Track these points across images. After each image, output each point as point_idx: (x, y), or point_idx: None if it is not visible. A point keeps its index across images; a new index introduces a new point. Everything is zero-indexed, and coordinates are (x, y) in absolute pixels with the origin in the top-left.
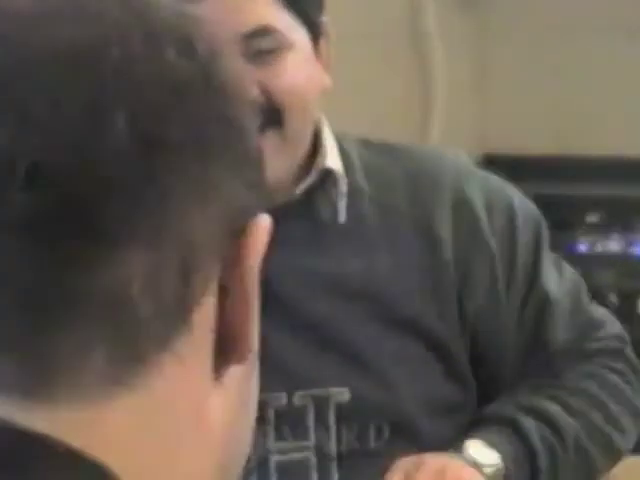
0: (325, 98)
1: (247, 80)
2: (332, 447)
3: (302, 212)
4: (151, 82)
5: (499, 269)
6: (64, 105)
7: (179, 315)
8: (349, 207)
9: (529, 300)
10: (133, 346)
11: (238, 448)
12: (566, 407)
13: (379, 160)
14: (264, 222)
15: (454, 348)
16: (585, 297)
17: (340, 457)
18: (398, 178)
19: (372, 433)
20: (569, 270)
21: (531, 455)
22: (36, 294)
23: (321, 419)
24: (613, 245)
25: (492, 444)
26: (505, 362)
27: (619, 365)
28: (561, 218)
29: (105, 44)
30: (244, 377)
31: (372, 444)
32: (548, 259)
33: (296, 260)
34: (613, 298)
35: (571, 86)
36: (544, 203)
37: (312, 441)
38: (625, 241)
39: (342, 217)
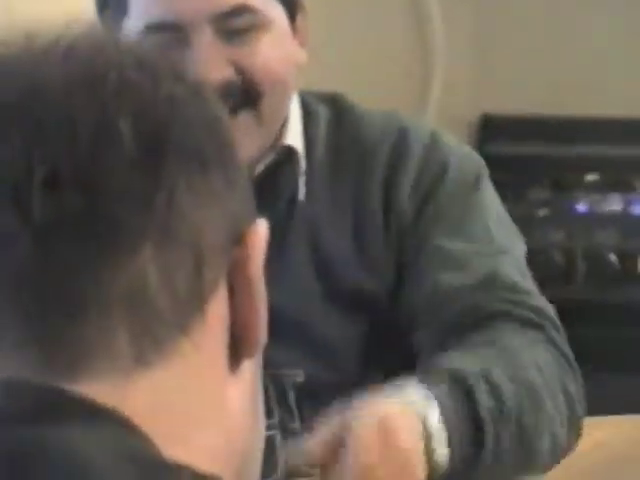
0: (326, 60)
1: (221, 60)
2: (296, 423)
3: (264, 190)
4: (150, 100)
5: (405, 220)
6: (76, 122)
7: (194, 304)
8: (308, 184)
9: (421, 250)
10: (152, 331)
11: (255, 441)
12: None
13: (343, 126)
14: (261, 227)
15: (392, 314)
16: (518, 270)
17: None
18: (350, 146)
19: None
20: (511, 242)
21: (477, 429)
22: (54, 292)
23: (282, 398)
24: (613, 205)
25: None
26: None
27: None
28: (560, 178)
29: (104, 71)
30: (255, 373)
31: None
32: (480, 221)
33: None
34: (613, 258)
35: (570, 47)
36: (543, 163)
37: (276, 418)
38: (625, 201)
39: (302, 195)
